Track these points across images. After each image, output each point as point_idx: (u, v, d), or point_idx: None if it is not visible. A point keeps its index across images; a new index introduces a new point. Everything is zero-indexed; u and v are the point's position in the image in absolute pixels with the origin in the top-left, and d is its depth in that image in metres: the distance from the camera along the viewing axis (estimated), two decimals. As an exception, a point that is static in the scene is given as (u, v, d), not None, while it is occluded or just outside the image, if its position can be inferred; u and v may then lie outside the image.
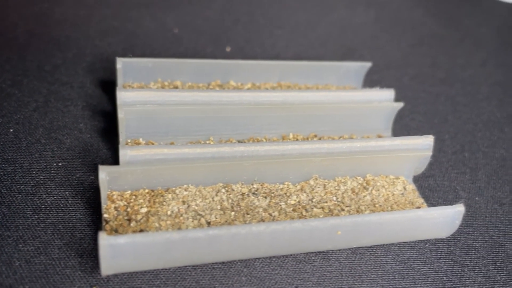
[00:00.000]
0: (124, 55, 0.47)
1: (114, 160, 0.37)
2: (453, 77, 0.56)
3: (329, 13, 0.64)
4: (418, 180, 0.40)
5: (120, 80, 0.40)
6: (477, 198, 0.40)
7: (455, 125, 0.48)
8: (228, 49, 0.53)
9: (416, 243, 0.35)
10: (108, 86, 0.44)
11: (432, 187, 0.40)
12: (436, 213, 0.32)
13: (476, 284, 0.33)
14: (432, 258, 0.34)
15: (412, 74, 0.55)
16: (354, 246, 0.33)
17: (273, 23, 0.59)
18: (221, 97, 0.38)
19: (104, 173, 0.29)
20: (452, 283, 0.33)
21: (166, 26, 0.55)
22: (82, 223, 0.32)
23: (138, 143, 0.36)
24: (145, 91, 0.36)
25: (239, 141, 0.38)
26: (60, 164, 0.36)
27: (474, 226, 0.38)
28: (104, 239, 0.26)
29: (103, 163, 0.36)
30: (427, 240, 0.35)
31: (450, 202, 0.39)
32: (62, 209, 0.33)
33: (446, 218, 0.32)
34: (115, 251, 0.26)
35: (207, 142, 0.38)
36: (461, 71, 0.57)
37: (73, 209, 0.33)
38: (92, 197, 0.34)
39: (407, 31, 0.64)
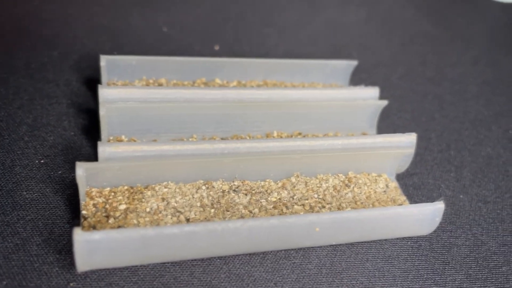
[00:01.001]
0: (111, 53, 0.47)
1: (96, 157, 0.37)
2: (442, 76, 0.56)
3: (320, 12, 0.64)
4: (403, 178, 0.40)
5: (104, 78, 0.40)
6: (461, 196, 0.40)
7: (442, 124, 0.48)
8: (216, 47, 0.53)
9: (398, 240, 0.35)
10: (94, 84, 0.44)
11: (416, 185, 0.40)
12: (415, 210, 0.32)
13: (457, 282, 0.33)
14: (414, 256, 0.34)
15: (401, 73, 0.55)
16: (334, 243, 0.33)
17: (263, 22, 0.59)
18: (204, 94, 0.38)
19: (81, 169, 0.29)
20: (432, 281, 0.33)
21: (155, 25, 0.55)
22: (61, 220, 0.32)
23: (121, 141, 0.36)
24: (127, 89, 0.36)
25: (222, 139, 0.38)
26: (42, 161, 0.36)
27: (457, 223, 0.38)
28: (79, 235, 0.26)
29: (85, 161, 0.36)
30: (409, 237, 0.35)
31: (434, 200, 0.39)
32: (42, 206, 0.33)
33: (426, 215, 0.32)
34: (90, 247, 0.26)
35: (190, 139, 0.38)
36: (450, 70, 0.57)
37: (53, 206, 0.33)
38: (73, 194, 0.34)
39: (398, 30, 0.64)
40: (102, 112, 0.34)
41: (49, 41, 0.48)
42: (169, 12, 0.57)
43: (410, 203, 0.38)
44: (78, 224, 0.31)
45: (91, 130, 0.39)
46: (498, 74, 0.58)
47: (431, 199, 0.39)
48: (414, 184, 0.40)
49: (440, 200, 0.33)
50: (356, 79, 0.50)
